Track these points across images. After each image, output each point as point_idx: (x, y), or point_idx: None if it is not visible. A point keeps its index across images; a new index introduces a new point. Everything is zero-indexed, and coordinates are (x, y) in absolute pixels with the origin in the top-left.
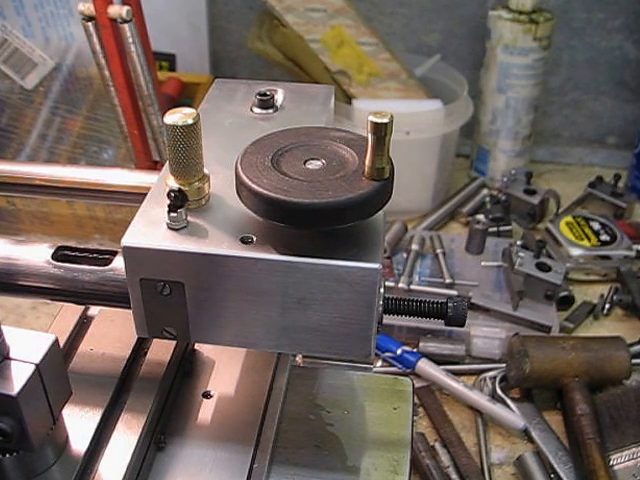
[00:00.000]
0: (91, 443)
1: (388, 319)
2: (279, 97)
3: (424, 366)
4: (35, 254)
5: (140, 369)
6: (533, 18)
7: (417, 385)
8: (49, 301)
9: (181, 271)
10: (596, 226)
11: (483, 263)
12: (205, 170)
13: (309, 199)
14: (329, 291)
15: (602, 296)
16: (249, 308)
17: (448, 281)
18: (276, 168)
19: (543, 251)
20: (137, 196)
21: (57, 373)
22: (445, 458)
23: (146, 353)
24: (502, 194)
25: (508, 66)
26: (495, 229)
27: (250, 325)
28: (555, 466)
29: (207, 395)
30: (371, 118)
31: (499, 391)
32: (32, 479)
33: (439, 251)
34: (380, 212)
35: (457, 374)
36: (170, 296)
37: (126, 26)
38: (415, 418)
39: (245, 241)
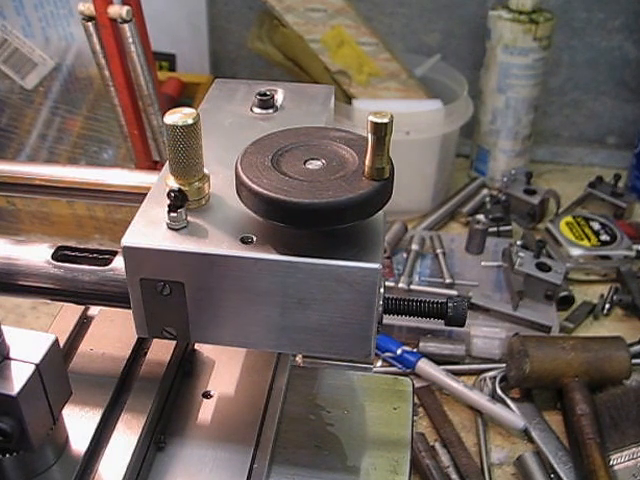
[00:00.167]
0: (91, 443)
1: (388, 319)
2: (279, 97)
3: (424, 366)
4: (35, 254)
5: (140, 369)
6: (533, 18)
7: (417, 385)
8: (49, 301)
9: (181, 271)
10: (596, 226)
11: (483, 263)
12: (205, 170)
13: (309, 199)
14: (329, 291)
15: (602, 296)
16: (249, 308)
17: (448, 281)
18: (276, 168)
19: (543, 251)
20: (137, 196)
21: (57, 373)
22: (445, 458)
23: (146, 353)
24: (502, 194)
25: (508, 66)
26: (495, 229)
27: (250, 325)
28: (555, 466)
29: (207, 395)
30: (371, 118)
31: (499, 391)
32: (32, 479)
33: (439, 251)
34: (380, 212)
35: (457, 374)
36: (170, 296)
37: (126, 26)
38: (415, 418)
39: (245, 241)
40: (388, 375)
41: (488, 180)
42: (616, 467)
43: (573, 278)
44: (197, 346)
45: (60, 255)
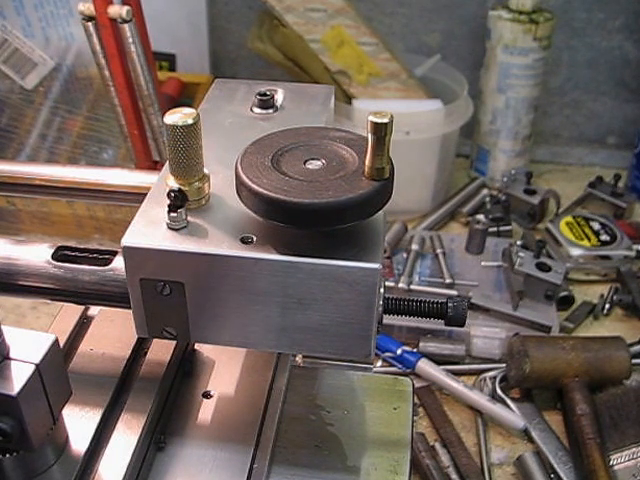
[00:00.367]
0: (91, 443)
1: (388, 319)
2: (279, 97)
3: (424, 366)
4: (35, 254)
5: (140, 369)
6: (533, 18)
7: (417, 385)
8: (49, 301)
9: (181, 271)
10: (596, 226)
11: (483, 263)
12: (205, 170)
13: (309, 199)
14: (329, 291)
15: (602, 296)
16: (249, 308)
17: (448, 281)
18: (276, 168)
19: (543, 251)
20: (137, 196)
21: (57, 373)
22: (445, 458)
23: (146, 353)
24: (502, 194)
25: (508, 66)
26: (495, 229)
27: (250, 325)
28: (555, 466)
29: (207, 395)
30: (371, 118)
31: (499, 391)
32: (32, 479)
33: (439, 251)
34: (380, 212)
35: (457, 374)
36: (170, 296)
37: (126, 26)
38: (415, 418)
39: (245, 241)
40: (388, 375)
41: (488, 180)
42: (616, 467)
43: (573, 278)
44: (197, 346)
45: (60, 255)
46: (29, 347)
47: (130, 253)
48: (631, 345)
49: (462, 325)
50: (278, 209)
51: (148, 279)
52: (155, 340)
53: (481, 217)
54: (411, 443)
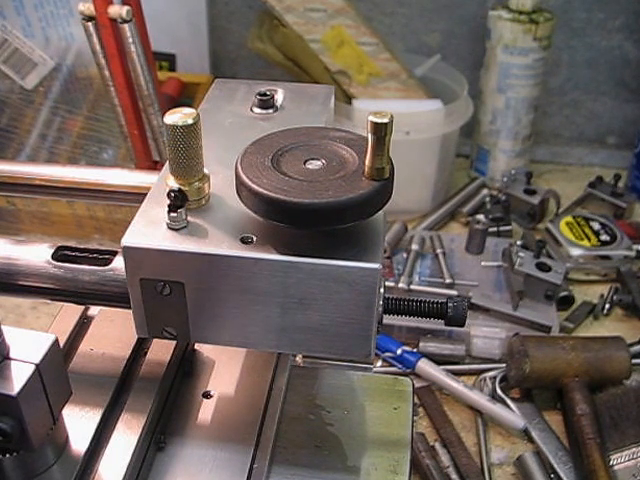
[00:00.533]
0: (91, 443)
1: (388, 319)
2: (279, 97)
3: (424, 366)
4: (35, 254)
5: (140, 369)
6: (533, 18)
7: (417, 385)
8: (49, 301)
9: (181, 271)
10: (596, 226)
11: (483, 263)
12: (205, 170)
13: (309, 199)
14: (329, 291)
15: (602, 296)
16: (249, 308)
17: (448, 281)
18: (276, 168)
19: (543, 251)
20: (137, 196)
21: (57, 373)
22: (445, 458)
23: (146, 353)
24: (502, 194)
25: (508, 66)
26: (495, 229)
27: (250, 325)
28: (555, 466)
29: (207, 395)
30: (371, 118)
31: (499, 391)
32: (32, 479)
33: (439, 251)
34: (380, 212)
35: (457, 374)
36: (170, 296)
37: (126, 26)
38: (415, 418)
39: (245, 241)
40: (388, 375)
41: (488, 180)
42: (616, 467)
43: (573, 278)
44: (197, 346)
45: (60, 255)
46: (29, 347)
47: (130, 253)
48: (631, 345)
49: (462, 325)
50: (278, 209)
51: (148, 279)
52: (155, 340)
53: (481, 217)
54: (411, 443)
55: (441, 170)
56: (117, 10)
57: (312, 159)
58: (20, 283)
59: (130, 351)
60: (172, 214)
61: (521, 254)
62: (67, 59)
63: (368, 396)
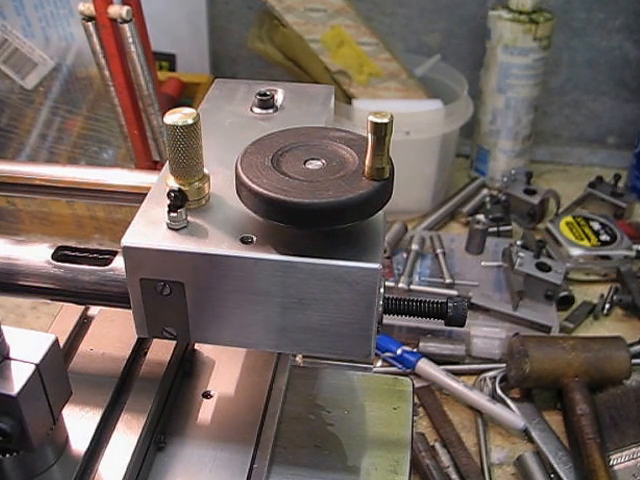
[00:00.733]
0: (91, 443)
1: (388, 319)
2: (279, 97)
3: (424, 366)
4: (35, 254)
5: (140, 369)
6: (533, 18)
7: (417, 385)
8: (49, 301)
9: (181, 271)
10: (596, 226)
11: (483, 263)
12: (205, 170)
13: (309, 199)
14: (329, 291)
15: (602, 296)
16: (249, 308)
17: (448, 281)
18: (276, 168)
19: (543, 251)
20: (137, 196)
21: (57, 373)
22: (445, 458)
23: (146, 353)
24: (502, 194)
25: (508, 66)
26: (495, 229)
27: (250, 325)
28: (555, 466)
29: (207, 395)
30: (371, 118)
31: (499, 391)
32: (32, 479)
33: (439, 251)
34: (380, 212)
35: (457, 374)
36: (170, 296)
37: (126, 26)
38: (415, 418)
39: (245, 241)
40: (388, 375)
41: (488, 180)
42: (616, 467)
43: (573, 278)
44: (197, 346)
45: (60, 255)
46: (29, 347)
47: (130, 253)
48: (631, 345)
49: (462, 325)
50: (278, 209)
51: (148, 279)
52: (155, 340)
53: (481, 217)
54: (411, 443)
55: (441, 170)
56: (117, 10)
57: (312, 159)
58: (20, 283)
59: (130, 351)
60: (172, 214)
61: (521, 254)
62: (67, 59)
63: (368, 396)
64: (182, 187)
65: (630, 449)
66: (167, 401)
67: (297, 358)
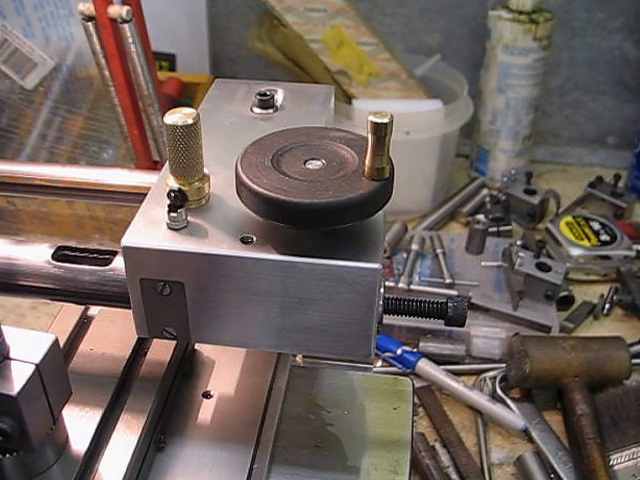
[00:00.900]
0: (91, 443)
1: (388, 319)
2: (279, 97)
3: (424, 366)
4: (35, 254)
5: (140, 369)
6: (533, 18)
7: (417, 385)
8: (49, 301)
9: (181, 271)
10: (596, 226)
11: (483, 263)
12: (205, 170)
13: (309, 199)
14: (329, 291)
15: (602, 296)
16: (249, 308)
17: (448, 281)
18: (276, 168)
19: (543, 251)
20: (137, 196)
21: (57, 373)
22: (445, 458)
23: (146, 353)
24: (502, 194)
25: (508, 66)
26: (495, 229)
27: (250, 325)
28: (555, 466)
29: (207, 395)
30: (371, 118)
31: (499, 391)
32: (32, 479)
33: (439, 251)
34: (380, 212)
35: (457, 374)
36: (170, 296)
37: (126, 26)
38: (415, 418)
39: (245, 241)
40: (388, 375)
41: (488, 180)
42: (616, 467)
43: (573, 278)
44: (197, 346)
45: (60, 255)
46: (29, 347)
47: (130, 253)
48: (631, 345)
49: (462, 325)
50: (278, 209)
51: (148, 279)
52: (155, 340)
53: (481, 217)
54: (411, 443)
55: (441, 170)
56: (117, 10)
57: (312, 159)
58: (20, 283)
59: (130, 351)
60: (172, 214)
61: (521, 254)
62: (67, 59)
63: (368, 396)
64: (182, 187)
65: (630, 449)
66: (167, 401)
67: (297, 358)
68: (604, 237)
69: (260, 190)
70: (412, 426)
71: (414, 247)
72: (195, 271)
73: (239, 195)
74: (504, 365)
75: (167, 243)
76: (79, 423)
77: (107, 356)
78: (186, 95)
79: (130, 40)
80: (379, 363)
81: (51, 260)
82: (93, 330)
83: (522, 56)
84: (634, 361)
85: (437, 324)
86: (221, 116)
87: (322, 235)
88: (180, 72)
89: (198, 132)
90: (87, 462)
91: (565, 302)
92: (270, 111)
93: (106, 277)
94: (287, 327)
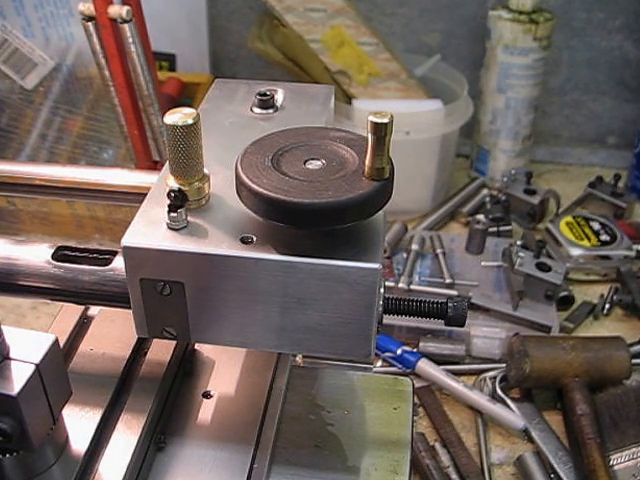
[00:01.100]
0: (91, 443)
1: (388, 319)
2: (279, 97)
3: (424, 366)
4: (35, 254)
5: (140, 369)
6: (533, 18)
7: (417, 385)
8: (49, 301)
9: (181, 271)
10: (596, 226)
11: (483, 263)
12: (205, 170)
13: (309, 199)
14: (329, 291)
15: (602, 296)
16: (249, 308)
17: (448, 281)
18: (276, 168)
19: (543, 251)
20: (137, 196)
21: (57, 373)
22: (445, 458)
23: (146, 353)
24: (502, 194)
25: (508, 66)
26: (495, 229)
27: (250, 325)
28: (555, 466)
29: (207, 395)
30: (371, 118)
31: (499, 391)
32: (32, 479)
33: (439, 251)
34: (380, 212)
35: (457, 374)
36: (170, 296)
37: (126, 26)
38: (415, 418)
39: (245, 241)
40: (388, 375)
41: (488, 180)
42: (616, 467)
43: (573, 278)
44: (197, 346)
45: (60, 255)
46: (29, 347)
47: (130, 253)
48: (631, 345)
49: (462, 325)
50: (278, 209)
51: (148, 279)
52: (155, 340)
53: (481, 217)
54: (411, 443)
55: (441, 170)
56: (117, 10)
57: (312, 159)
58: (20, 283)
59: (130, 351)
60: (172, 214)
61: (521, 254)
62: (67, 59)
63: (368, 396)
64: (182, 187)
65: (630, 449)
66: (167, 401)
67: (297, 358)
68: (604, 237)
69: (260, 190)
70: (412, 426)
71: (414, 247)
72: (195, 271)
73: (239, 195)
74: (504, 365)
75: (167, 243)
76: (79, 423)
77: (107, 356)
78: (186, 95)
79: (130, 40)
80: (379, 363)
81: (51, 260)
82: (93, 330)
83: (522, 56)
84: (634, 361)
85: (437, 324)
86: (221, 116)
87: (322, 235)
88: (180, 72)
89: (198, 132)
90: (87, 462)
91: (565, 302)
92: (270, 111)
93: (106, 277)
94: (287, 327)
